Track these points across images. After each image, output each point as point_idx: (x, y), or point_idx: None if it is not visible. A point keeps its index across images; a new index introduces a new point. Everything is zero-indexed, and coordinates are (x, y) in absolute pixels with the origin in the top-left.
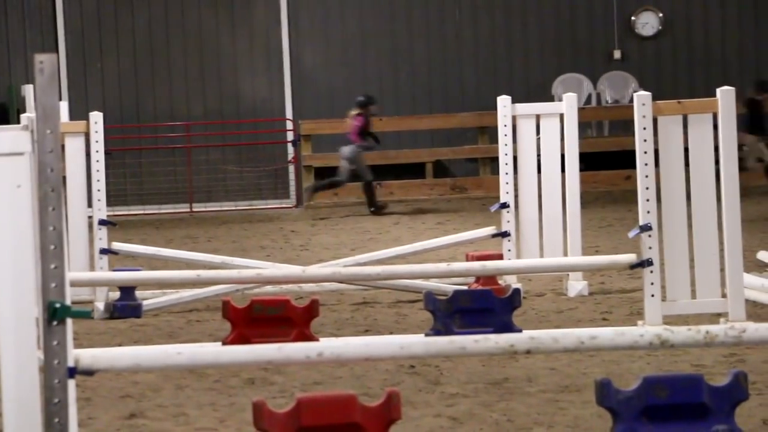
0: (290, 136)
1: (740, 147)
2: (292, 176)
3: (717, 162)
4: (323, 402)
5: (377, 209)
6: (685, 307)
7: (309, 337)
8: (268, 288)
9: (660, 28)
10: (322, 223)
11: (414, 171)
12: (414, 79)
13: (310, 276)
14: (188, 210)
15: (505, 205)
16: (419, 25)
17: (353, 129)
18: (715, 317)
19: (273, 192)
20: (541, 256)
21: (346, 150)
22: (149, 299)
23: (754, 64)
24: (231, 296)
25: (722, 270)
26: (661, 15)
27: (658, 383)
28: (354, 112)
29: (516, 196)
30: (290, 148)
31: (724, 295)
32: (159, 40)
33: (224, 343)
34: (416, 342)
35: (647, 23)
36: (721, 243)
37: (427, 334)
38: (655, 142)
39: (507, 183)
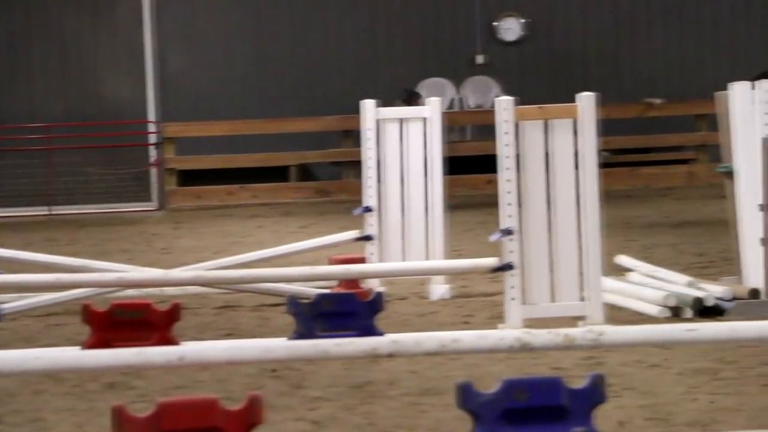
0: (153, 138)
1: None
2: (154, 179)
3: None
4: (184, 406)
5: None
6: (545, 310)
7: (170, 341)
8: (130, 292)
9: (522, 33)
10: (184, 227)
11: (279, 174)
12: (280, 82)
13: (173, 279)
14: (48, 212)
15: (368, 209)
16: (285, 27)
17: None
18: (574, 320)
19: (135, 195)
20: (404, 259)
21: None
22: (7, 303)
23: (614, 71)
24: (91, 300)
25: (581, 273)
26: (523, 20)
27: (518, 386)
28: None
29: (379, 200)
30: (153, 151)
31: (583, 299)
32: (19, 40)
33: (84, 348)
34: (279, 346)
35: (510, 29)
36: (580, 247)
37: (289, 338)
38: (517, 147)
39: (370, 187)
